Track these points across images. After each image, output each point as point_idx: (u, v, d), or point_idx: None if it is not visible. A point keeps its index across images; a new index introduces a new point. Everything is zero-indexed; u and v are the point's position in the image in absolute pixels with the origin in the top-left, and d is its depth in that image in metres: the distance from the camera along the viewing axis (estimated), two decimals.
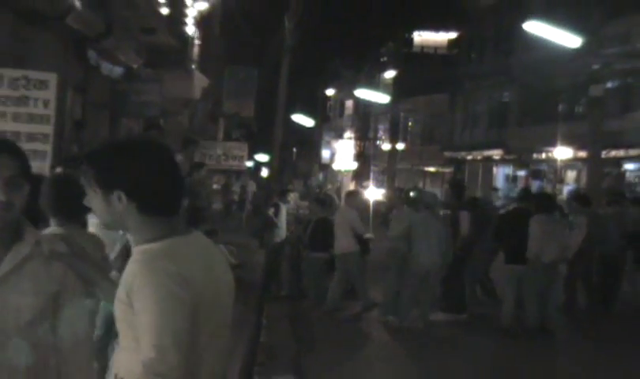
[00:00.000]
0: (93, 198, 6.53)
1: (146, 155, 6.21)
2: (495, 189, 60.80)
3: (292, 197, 44.42)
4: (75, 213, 8.69)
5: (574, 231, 26.47)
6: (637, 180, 52.06)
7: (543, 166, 58.75)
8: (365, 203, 31.86)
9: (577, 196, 33.60)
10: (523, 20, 54.95)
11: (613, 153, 52.05)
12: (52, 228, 8.97)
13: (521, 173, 61.59)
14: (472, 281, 27.19)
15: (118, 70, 28.80)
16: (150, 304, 5.99)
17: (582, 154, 54.41)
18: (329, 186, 68.28)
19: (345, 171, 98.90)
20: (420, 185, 70.15)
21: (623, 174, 53.01)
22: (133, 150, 6.38)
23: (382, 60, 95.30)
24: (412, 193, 27.08)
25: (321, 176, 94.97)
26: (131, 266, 6.27)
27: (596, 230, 27.34)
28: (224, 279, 6.65)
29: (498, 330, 23.31)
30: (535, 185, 55.39)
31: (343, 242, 26.12)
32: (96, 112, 26.12)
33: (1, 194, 6.03)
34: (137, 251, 6.40)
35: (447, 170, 76.87)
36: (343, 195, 40.34)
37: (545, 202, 26.07)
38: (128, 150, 6.44)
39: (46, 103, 17.35)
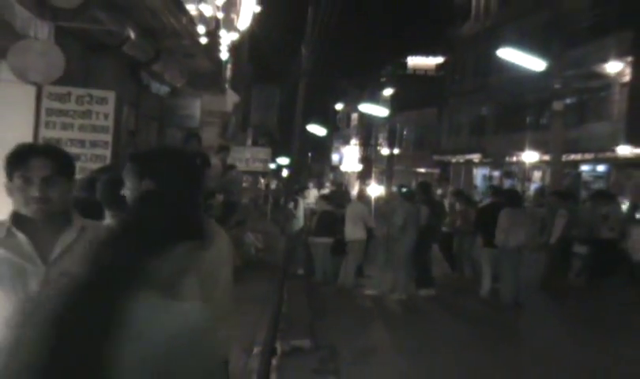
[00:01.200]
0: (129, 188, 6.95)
1: (171, 159, 6.57)
2: (475, 187, 60.98)
3: (312, 193, 44.40)
4: (125, 206, 8.59)
5: (558, 220, 27.13)
6: (591, 179, 52.02)
7: (514, 167, 58.64)
8: (369, 198, 31.77)
9: (558, 192, 33.76)
10: (497, 48, 55.05)
11: (572, 157, 51.91)
12: (107, 219, 8.88)
13: (496, 173, 61.43)
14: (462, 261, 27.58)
15: (164, 89, 28.70)
16: None
17: (546, 157, 54.34)
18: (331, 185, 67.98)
19: (351, 172, 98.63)
20: (413, 183, 70.08)
21: (579, 174, 52.90)
22: (162, 154, 6.65)
23: (381, 80, 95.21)
24: (404, 190, 27.21)
25: (331, 176, 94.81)
26: None
27: (572, 220, 27.99)
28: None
29: (480, 301, 23.38)
30: (507, 184, 55.27)
31: (354, 231, 26.43)
32: (147, 123, 26.04)
33: (35, 191, 6.13)
34: None
35: (435, 170, 76.90)
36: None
37: (513, 198, 26.56)
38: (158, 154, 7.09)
39: (106, 116, 17.28)
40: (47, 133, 16.41)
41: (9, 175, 6.12)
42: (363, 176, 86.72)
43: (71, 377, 4.44)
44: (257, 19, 47.33)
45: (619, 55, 47.25)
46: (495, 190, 33.77)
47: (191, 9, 23.00)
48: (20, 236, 6.04)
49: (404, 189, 27.38)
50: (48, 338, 4.35)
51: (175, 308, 5.03)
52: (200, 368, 4.97)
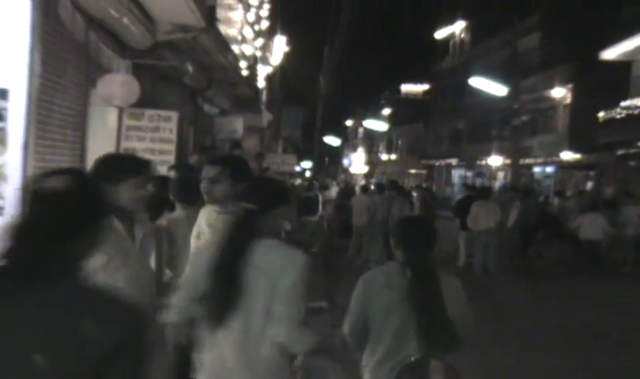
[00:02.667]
0: (222, 183, 7.24)
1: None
2: (452, 185, 61.10)
3: (334, 189, 44.54)
4: (193, 200, 8.57)
5: (513, 210, 28.21)
6: (541, 178, 52.17)
7: (483, 169, 58.56)
8: (371, 193, 32.08)
9: (515, 188, 34.75)
10: (469, 77, 55.23)
11: (527, 161, 51.98)
12: (177, 211, 8.92)
13: (469, 173, 61.31)
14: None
15: (215, 110, 28.85)
16: None
17: (507, 161, 54.40)
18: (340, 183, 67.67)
19: (358, 173, 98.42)
20: (406, 181, 70.14)
21: (532, 174, 52.96)
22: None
23: (381, 102, 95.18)
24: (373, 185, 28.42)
25: (343, 176, 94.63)
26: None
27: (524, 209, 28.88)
28: None
29: (456, 271, 23.50)
30: (478, 182, 55.22)
31: (361, 219, 27.22)
32: (202, 136, 26.17)
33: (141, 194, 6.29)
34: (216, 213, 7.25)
35: (423, 171, 76.96)
36: (357, 187, 40.70)
37: (484, 192, 27.12)
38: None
39: (170, 131, 17.40)
40: (126, 144, 16.58)
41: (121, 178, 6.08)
42: (368, 176, 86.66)
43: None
44: (287, 56, 47.33)
45: (562, 84, 47.33)
46: (468, 187, 34.63)
47: (235, 49, 23.08)
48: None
49: (373, 185, 28.22)
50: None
51: (282, 251, 6.17)
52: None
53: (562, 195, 35.57)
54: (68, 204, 3.37)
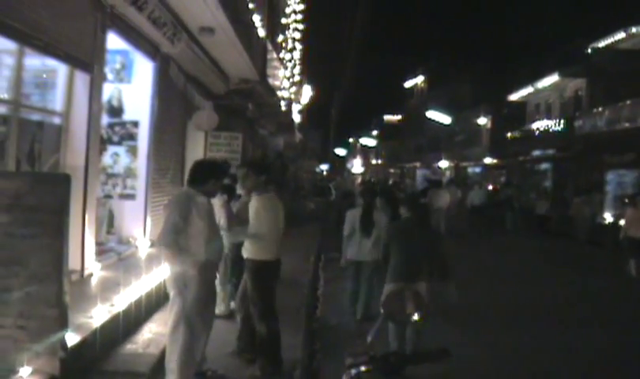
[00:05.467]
0: (249, 179, 7.20)
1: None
2: (414, 181, 60.91)
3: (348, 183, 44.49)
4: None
5: (455, 196, 26.55)
6: (473, 174, 51.75)
7: (437, 169, 58.11)
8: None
9: (455, 181, 34.65)
10: (427, 111, 55.09)
11: (464, 163, 52.05)
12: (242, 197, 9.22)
13: (428, 172, 60.86)
14: None
15: (266, 132, 29.03)
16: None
17: (452, 164, 54.51)
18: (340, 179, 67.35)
19: (358, 173, 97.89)
20: (388, 177, 70.03)
21: (467, 172, 52.61)
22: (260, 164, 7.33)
23: (371, 126, 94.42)
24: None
25: (346, 175, 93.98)
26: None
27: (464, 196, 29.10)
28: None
29: None
30: (434, 177, 54.89)
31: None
32: (256, 149, 26.34)
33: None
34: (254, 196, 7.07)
35: (398, 171, 76.45)
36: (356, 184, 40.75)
37: (436, 183, 27.36)
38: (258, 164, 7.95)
39: (237, 145, 17.55)
40: (210, 154, 16.77)
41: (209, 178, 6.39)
42: (363, 175, 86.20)
43: None
44: (311, 97, 47.38)
45: (485, 115, 47.29)
46: (428, 180, 34.96)
47: (278, 94, 23.24)
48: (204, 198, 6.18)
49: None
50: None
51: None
52: None
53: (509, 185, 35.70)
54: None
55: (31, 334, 5.28)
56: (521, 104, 42.43)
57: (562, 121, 33.84)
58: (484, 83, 46.46)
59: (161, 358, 6.37)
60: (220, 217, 7.18)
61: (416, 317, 6.47)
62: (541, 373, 7.99)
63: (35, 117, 8.40)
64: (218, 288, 7.85)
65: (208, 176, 6.26)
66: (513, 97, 41.63)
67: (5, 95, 7.42)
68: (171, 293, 6.12)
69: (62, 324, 5.41)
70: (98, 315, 6.68)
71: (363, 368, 2.55)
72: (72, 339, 5.73)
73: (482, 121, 47.87)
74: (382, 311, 6.35)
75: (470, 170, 52.74)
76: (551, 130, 34.90)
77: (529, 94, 39.76)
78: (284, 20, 27.13)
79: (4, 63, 7.41)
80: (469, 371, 7.44)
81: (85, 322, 6.41)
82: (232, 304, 9.65)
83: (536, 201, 30.36)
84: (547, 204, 29.03)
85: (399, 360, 2.62)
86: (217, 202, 7.03)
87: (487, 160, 46.57)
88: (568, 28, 40.27)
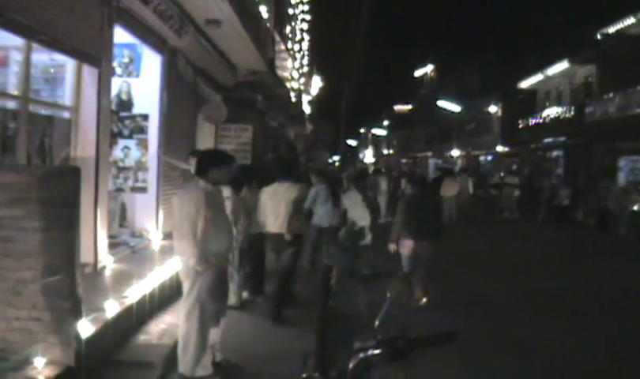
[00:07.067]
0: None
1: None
2: (427, 170, 60.70)
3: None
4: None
5: (469, 184, 27.20)
6: (484, 163, 51.54)
7: (448, 158, 57.80)
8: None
9: (466, 169, 34.54)
10: (437, 99, 54.92)
11: (475, 152, 51.95)
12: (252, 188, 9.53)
13: (439, 162, 60.51)
14: None
15: (276, 124, 29.02)
16: None
17: (463, 153, 54.32)
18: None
19: (369, 162, 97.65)
20: (400, 167, 70.02)
21: (479, 161, 52.42)
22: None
23: (382, 117, 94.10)
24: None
25: (359, 165, 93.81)
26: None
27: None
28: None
29: None
30: (445, 166, 54.64)
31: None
32: (267, 141, 26.39)
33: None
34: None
35: (409, 160, 76.10)
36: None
37: (448, 172, 27.37)
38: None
39: (247, 138, 17.66)
40: (220, 146, 16.81)
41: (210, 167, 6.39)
42: (376, 164, 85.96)
43: None
44: (321, 88, 47.40)
45: (496, 103, 47.05)
46: (439, 169, 34.93)
47: (288, 85, 23.26)
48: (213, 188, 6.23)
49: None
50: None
51: None
52: None
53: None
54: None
55: (45, 325, 5.35)
56: (532, 91, 42.29)
57: (572, 108, 33.68)
58: (494, 71, 46.24)
59: (175, 349, 6.43)
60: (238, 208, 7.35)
61: (424, 300, 6.63)
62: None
63: (45, 112, 8.45)
64: (230, 279, 7.88)
65: (209, 165, 6.28)
66: (524, 85, 41.47)
67: (15, 91, 7.47)
68: (185, 284, 6.19)
69: (76, 315, 5.46)
70: (111, 307, 6.74)
71: (371, 352, 2.57)
72: (86, 330, 5.77)
73: (493, 109, 47.70)
74: (388, 295, 6.44)
75: (482, 158, 52.58)
76: (561, 117, 34.74)
77: (539, 81, 39.57)
78: (290, 11, 27.13)
79: (13, 59, 7.46)
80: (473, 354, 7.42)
81: (99, 314, 6.45)
82: (244, 294, 9.73)
83: (556, 189, 27.83)
84: (567, 192, 26.93)
85: (407, 343, 2.64)
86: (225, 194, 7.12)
87: (499, 148, 46.42)
88: (577, 14, 40.11)
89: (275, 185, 9.42)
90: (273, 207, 9.25)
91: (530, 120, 39.74)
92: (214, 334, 6.40)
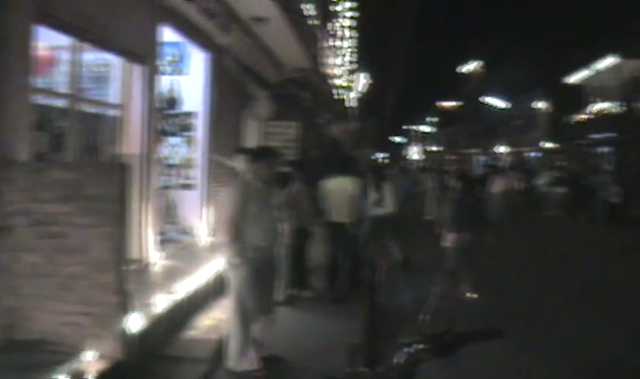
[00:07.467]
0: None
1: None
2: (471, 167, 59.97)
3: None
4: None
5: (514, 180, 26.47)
6: (531, 160, 50.73)
7: (493, 155, 56.99)
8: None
9: (514, 167, 33.91)
10: (483, 95, 54.34)
11: (522, 149, 51.71)
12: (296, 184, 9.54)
13: (484, 158, 59.73)
14: None
15: (321, 120, 29.03)
16: None
17: (509, 150, 53.58)
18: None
19: (415, 159, 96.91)
20: (446, 165, 69.38)
21: (523, 157, 51.70)
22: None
23: (428, 113, 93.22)
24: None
25: (402, 162, 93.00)
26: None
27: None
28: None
29: None
30: (491, 163, 53.95)
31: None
32: (312, 137, 26.40)
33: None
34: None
35: (456, 157, 75.37)
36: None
37: (496, 169, 27.22)
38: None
39: (293, 134, 17.69)
40: (266, 143, 16.86)
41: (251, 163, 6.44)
42: (420, 161, 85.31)
43: None
44: (368, 85, 47.34)
45: (542, 100, 46.42)
46: (487, 166, 34.48)
47: (332, 82, 23.25)
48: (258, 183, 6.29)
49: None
50: None
51: None
52: None
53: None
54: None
55: (95, 320, 5.44)
56: (579, 87, 41.63)
57: (621, 104, 33.07)
58: (541, 66, 45.60)
59: (222, 344, 6.49)
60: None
61: (474, 296, 6.85)
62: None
63: (94, 110, 8.57)
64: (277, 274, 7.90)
65: (254, 160, 6.40)
66: (571, 80, 40.83)
67: (65, 90, 7.58)
68: (230, 279, 6.24)
69: (125, 310, 5.55)
70: (160, 302, 6.83)
71: (416, 347, 2.54)
72: (135, 325, 5.87)
73: (539, 105, 47.07)
74: (434, 290, 6.44)
75: (528, 155, 51.92)
76: (609, 113, 34.15)
77: (587, 76, 38.93)
78: (336, 8, 27.08)
79: (62, 58, 7.56)
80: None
81: (148, 309, 6.54)
82: (290, 290, 9.75)
83: (606, 186, 26.30)
84: (618, 189, 25.76)
85: (453, 339, 2.60)
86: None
87: (546, 144, 45.79)
88: (625, 8, 39.19)
89: (338, 178, 10.32)
90: (337, 199, 10.08)
91: (577, 116, 39.19)
92: (259, 329, 6.42)
